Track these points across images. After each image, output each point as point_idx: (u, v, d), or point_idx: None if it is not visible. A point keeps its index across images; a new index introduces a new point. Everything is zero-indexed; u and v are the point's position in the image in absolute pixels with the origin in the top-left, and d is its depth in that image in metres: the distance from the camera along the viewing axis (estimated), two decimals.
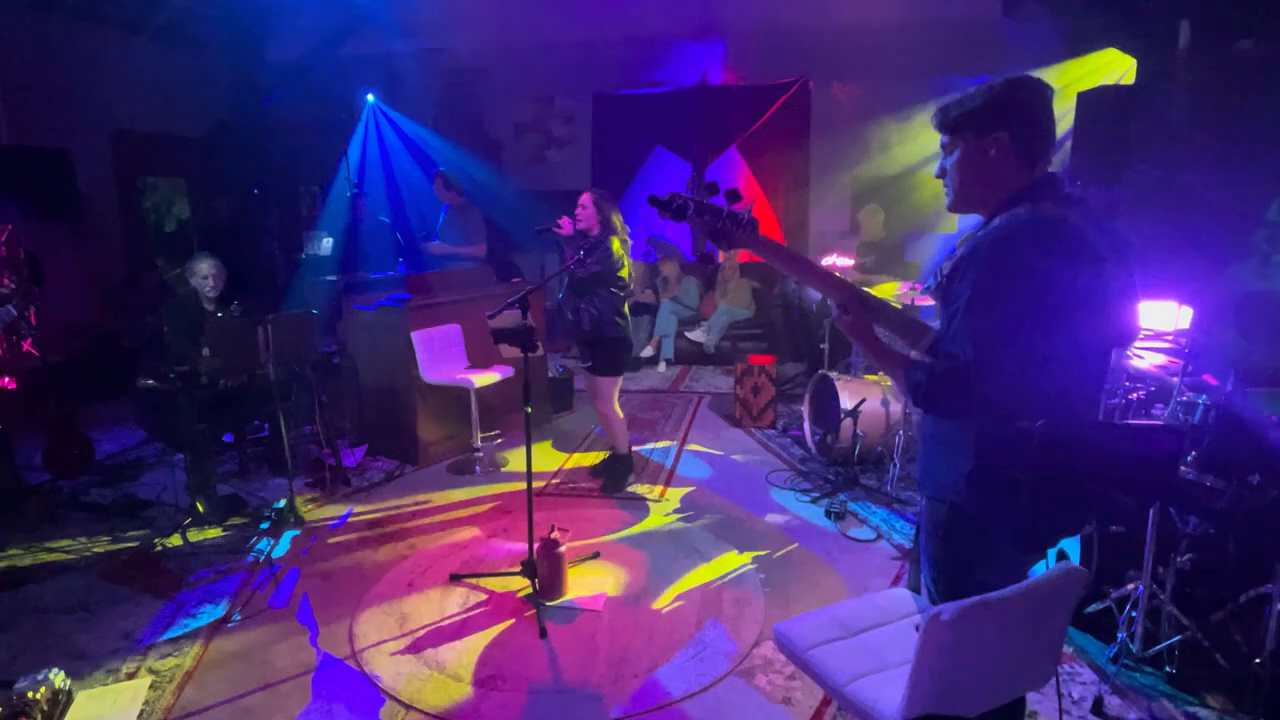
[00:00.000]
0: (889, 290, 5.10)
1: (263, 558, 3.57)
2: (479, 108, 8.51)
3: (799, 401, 5.13)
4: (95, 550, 3.66)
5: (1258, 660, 2.39)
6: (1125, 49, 5.36)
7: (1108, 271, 1.50)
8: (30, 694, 2.42)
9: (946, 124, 1.63)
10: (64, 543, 3.73)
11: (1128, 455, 1.14)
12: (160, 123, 7.48)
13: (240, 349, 3.75)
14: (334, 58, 7.79)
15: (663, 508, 4.08)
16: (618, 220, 4.04)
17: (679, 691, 2.57)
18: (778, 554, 3.53)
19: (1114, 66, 5.61)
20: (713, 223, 1.62)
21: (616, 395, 4.24)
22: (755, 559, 3.48)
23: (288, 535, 3.80)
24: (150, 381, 3.92)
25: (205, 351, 3.85)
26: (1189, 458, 2.61)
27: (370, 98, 7.80)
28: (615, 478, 4.32)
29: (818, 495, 4.17)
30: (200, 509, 3.88)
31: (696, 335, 7.33)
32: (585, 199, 4.03)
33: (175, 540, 3.73)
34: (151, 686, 2.64)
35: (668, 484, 4.40)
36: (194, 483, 3.91)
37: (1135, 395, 3.04)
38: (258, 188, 7.79)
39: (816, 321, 6.03)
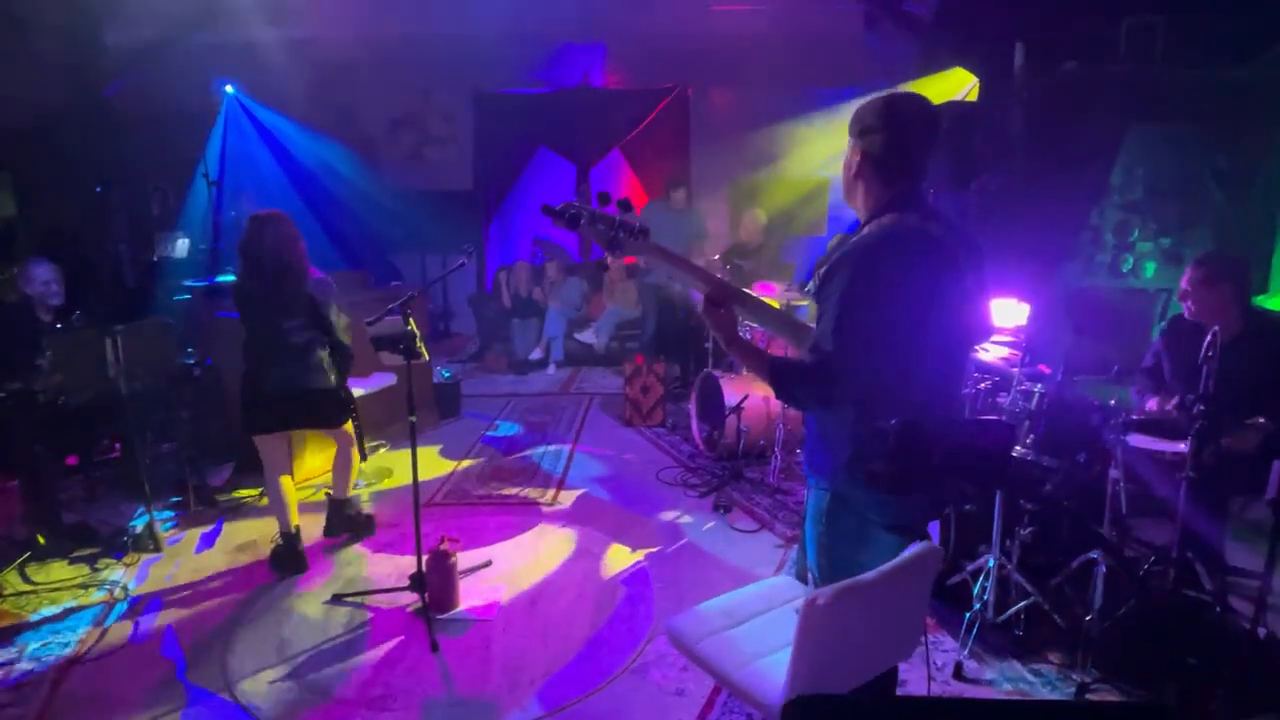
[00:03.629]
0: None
1: (118, 589, 3.28)
2: (351, 102, 8.13)
3: (687, 400, 5.27)
4: None
5: (1089, 618, 2.69)
6: (970, 68, 5.86)
7: (965, 277, 1.65)
8: None
9: (851, 123, 1.74)
10: None
11: (970, 448, 1.28)
12: None
13: (86, 363, 3.44)
14: (187, 44, 7.20)
15: (556, 510, 4.08)
16: (262, 244, 3.24)
17: (575, 693, 2.59)
18: (669, 550, 3.62)
19: (967, 83, 6.12)
20: (606, 232, 1.67)
21: (272, 462, 3.39)
22: (648, 556, 3.55)
23: (147, 563, 3.51)
24: None
25: (43, 365, 3.49)
26: (1029, 440, 2.91)
27: (229, 89, 7.28)
28: (277, 562, 3.45)
29: (705, 490, 4.30)
30: (41, 540, 3.52)
31: (585, 336, 7.35)
32: None
33: (13, 577, 3.36)
34: None
35: (560, 487, 4.40)
36: (33, 512, 3.54)
37: (983, 385, 3.35)
38: (101, 184, 7.09)
39: (700, 321, 6.19)
